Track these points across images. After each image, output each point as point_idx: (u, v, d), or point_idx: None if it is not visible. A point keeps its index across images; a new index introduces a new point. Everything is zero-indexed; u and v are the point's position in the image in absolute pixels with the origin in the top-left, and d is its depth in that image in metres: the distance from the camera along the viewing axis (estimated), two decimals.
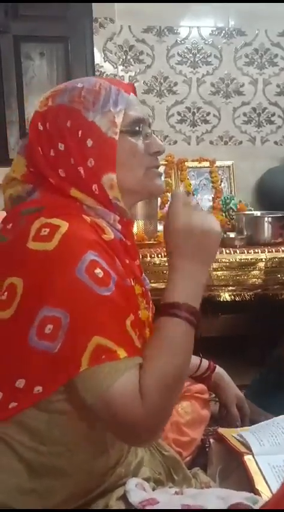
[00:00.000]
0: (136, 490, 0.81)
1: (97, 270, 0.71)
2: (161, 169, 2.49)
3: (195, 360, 1.25)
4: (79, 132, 0.81)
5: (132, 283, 0.82)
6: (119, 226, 0.85)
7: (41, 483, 0.78)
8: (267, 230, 1.98)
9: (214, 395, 1.32)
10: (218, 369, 1.28)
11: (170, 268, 0.81)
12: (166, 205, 2.36)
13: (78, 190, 0.82)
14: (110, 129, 0.81)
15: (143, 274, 0.97)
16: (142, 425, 0.71)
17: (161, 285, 1.82)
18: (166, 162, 2.42)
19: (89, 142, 0.80)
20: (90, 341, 0.69)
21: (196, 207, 0.84)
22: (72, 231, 0.73)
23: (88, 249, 0.72)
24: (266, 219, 2.01)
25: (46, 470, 0.78)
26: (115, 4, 2.32)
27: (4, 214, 0.88)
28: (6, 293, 0.74)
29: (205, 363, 1.26)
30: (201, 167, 2.47)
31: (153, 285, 1.85)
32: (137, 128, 0.85)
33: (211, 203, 2.40)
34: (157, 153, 0.88)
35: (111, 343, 0.70)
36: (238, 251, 1.88)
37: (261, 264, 1.87)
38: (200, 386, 1.24)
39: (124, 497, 0.81)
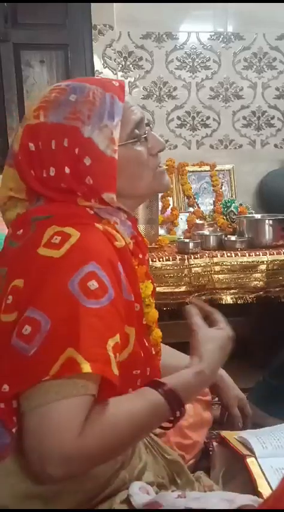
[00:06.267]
0: (140, 494, 0.81)
1: (92, 282, 0.70)
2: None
3: None
4: (76, 150, 0.78)
5: (133, 299, 0.81)
6: (130, 223, 0.88)
7: (48, 488, 0.77)
8: (268, 233, 1.99)
9: (216, 398, 1.32)
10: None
11: (190, 366, 0.84)
12: (168, 210, 2.38)
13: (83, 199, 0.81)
14: (108, 147, 0.79)
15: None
16: (59, 458, 0.66)
17: (163, 289, 1.82)
18: (166, 167, 2.43)
19: (87, 161, 0.78)
20: (63, 352, 0.67)
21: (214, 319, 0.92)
22: (81, 241, 0.73)
23: (92, 260, 0.72)
24: (267, 221, 2.01)
25: None
26: (114, 11, 2.34)
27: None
28: (10, 296, 0.74)
29: None
30: (201, 171, 2.49)
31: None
32: (137, 132, 0.84)
33: (212, 207, 2.41)
34: (159, 151, 0.89)
35: (80, 357, 0.67)
36: (239, 254, 1.89)
37: (262, 267, 1.87)
38: None
39: (127, 501, 0.81)
